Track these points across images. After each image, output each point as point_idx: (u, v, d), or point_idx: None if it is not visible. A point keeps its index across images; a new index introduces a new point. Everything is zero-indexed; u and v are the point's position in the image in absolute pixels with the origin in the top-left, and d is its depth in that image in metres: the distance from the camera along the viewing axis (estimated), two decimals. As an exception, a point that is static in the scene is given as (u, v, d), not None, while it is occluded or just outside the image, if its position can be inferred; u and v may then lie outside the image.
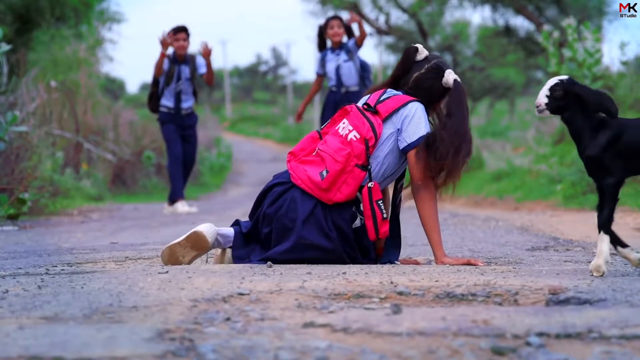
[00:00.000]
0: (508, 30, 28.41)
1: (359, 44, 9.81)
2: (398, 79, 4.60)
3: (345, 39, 9.95)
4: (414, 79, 4.53)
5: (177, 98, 10.70)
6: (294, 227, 4.31)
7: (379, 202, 4.33)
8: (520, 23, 28.23)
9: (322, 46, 10.02)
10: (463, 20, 34.99)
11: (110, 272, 4.12)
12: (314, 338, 2.52)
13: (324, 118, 9.75)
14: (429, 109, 4.55)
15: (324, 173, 4.32)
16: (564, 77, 3.83)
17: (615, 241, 3.82)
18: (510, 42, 29.46)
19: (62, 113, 14.61)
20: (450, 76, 4.51)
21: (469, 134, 4.45)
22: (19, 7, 17.02)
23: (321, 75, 10.01)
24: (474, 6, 27.82)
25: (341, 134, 4.41)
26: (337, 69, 9.72)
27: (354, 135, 4.36)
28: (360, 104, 4.54)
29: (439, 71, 4.53)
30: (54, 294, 3.31)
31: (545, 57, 18.12)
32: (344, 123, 4.45)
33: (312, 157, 4.45)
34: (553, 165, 12.42)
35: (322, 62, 9.97)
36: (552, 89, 3.79)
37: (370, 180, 4.35)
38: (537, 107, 3.81)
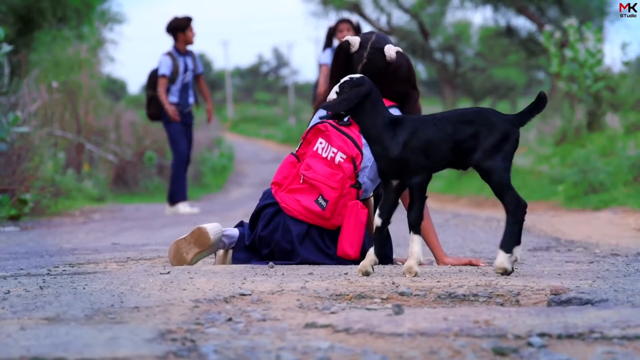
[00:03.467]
0: (509, 31, 28.43)
1: None
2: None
3: None
4: (362, 70, 4.40)
5: (184, 90, 10.66)
6: (293, 249, 4.32)
7: None
8: (522, 23, 28.27)
9: (327, 47, 10.00)
10: (464, 20, 35.02)
11: (112, 273, 4.12)
12: (315, 339, 2.52)
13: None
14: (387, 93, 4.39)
15: (322, 202, 4.28)
16: (357, 75, 3.77)
17: (377, 245, 3.75)
18: (512, 42, 29.49)
19: (63, 114, 14.62)
20: (390, 50, 4.39)
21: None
22: (21, 8, 17.03)
23: (326, 65, 9.94)
24: (475, 6, 27.85)
25: (324, 156, 4.34)
26: None
27: (341, 157, 4.30)
28: (318, 118, 4.47)
29: (380, 50, 4.41)
30: (56, 295, 3.31)
31: (546, 57, 18.10)
32: (321, 143, 4.38)
33: (299, 185, 4.38)
34: (554, 166, 12.43)
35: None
36: (341, 86, 3.73)
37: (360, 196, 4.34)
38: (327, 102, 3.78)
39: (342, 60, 4.43)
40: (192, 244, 4.43)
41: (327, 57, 9.91)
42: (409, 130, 3.68)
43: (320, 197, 4.28)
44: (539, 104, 3.69)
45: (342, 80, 3.75)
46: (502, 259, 3.67)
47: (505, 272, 3.66)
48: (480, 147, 3.62)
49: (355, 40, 4.45)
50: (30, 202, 9.27)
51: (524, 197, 11.74)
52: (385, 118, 3.72)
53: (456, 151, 3.67)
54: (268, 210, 4.42)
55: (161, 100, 10.43)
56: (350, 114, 3.75)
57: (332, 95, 3.73)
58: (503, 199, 3.66)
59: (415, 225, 3.70)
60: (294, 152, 4.50)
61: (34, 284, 3.68)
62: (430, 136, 3.67)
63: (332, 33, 9.89)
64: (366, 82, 3.75)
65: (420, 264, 4.53)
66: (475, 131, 3.64)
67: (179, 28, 10.61)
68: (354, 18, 10.23)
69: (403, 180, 3.72)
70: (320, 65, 10.04)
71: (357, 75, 3.76)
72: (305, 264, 4.30)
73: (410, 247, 3.72)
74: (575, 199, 10.22)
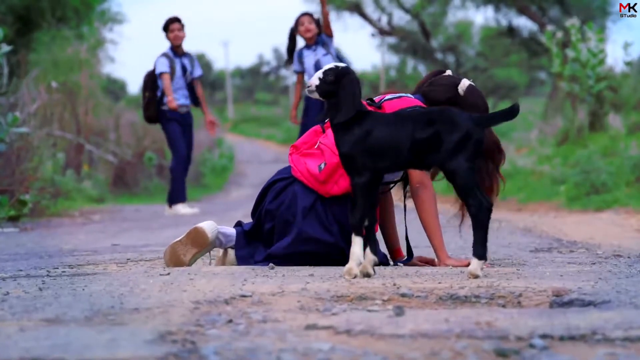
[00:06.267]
0: (511, 31, 28.43)
1: (327, 33, 9.81)
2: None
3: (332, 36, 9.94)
4: (431, 81, 4.54)
5: (191, 90, 10.69)
6: (295, 222, 4.32)
7: None
8: (524, 23, 28.27)
9: (291, 48, 9.98)
10: (466, 20, 35.02)
11: (112, 274, 4.12)
12: (316, 340, 2.52)
13: (308, 118, 9.72)
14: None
15: (322, 166, 4.32)
16: (342, 64, 3.77)
17: (372, 245, 3.76)
18: (513, 42, 29.50)
19: (63, 114, 14.62)
20: (465, 81, 4.50)
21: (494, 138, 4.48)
22: (20, 8, 17.03)
23: (301, 72, 9.98)
24: (476, 6, 27.87)
25: None
26: (317, 64, 9.63)
27: None
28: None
29: (456, 78, 4.52)
30: (55, 296, 3.31)
31: (548, 57, 18.08)
32: None
33: (313, 150, 4.45)
34: (556, 166, 12.42)
35: (300, 59, 9.91)
36: (325, 72, 3.73)
37: None
38: (309, 87, 3.75)
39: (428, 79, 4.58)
40: (189, 245, 4.42)
41: (297, 64, 9.96)
42: (365, 129, 3.68)
43: (324, 162, 4.31)
44: (510, 113, 3.67)
45: (326, 67, 3.76)
46: (475, 266, 3.66)
47: (477, 278, 3.65)
48: (443, 147, 3.61)
49: (449, 72, 4.59)
50: (30, 202, 9.27)
51: (526, 197, 11.67)
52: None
53: (416, 151, 3.66)
54: (279, 184, 4.46)
55: (166, 92, 10.43)
56: (329, 98, 3.75)
57: (315, 81, 3.74)
58: (466, 201, 3.64)
59: (357, 226, 3.70)
60: (323, 123, 4.57)
61: (34, 285, 3.68)
62: (386, 136, 3.66)
63: (294, 32, 9.89)
64: (352, 71, 3.77)
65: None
66: (436, 131, 3.63)
67: (163, 29, 10.71)
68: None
69: (349, 176, 3.74)
70: (297, 73, 10.06)
71: (342, 64, 3.78)
72: (302, 238, 4.29)
73: (351, 249, 3.72)
74: (577, 200, 10.21)
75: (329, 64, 3.80)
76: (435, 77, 4.54)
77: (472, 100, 4.44)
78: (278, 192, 4.43)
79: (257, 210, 4.52)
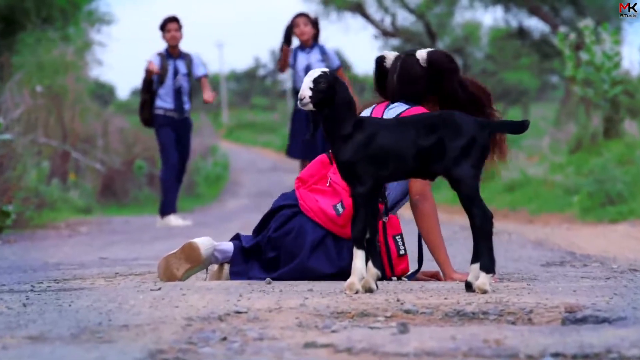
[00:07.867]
0: (522, 32, 28.47)
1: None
2: (382, 92, 4.58)
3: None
4: (397, 79, 4.47)
5: (177, 96, 10.64)
6: (300, 255, 4.32)
7: (397, 237, 4.36)
8: (535, 24, 28.30)
9: (287, 44, 9.90)
10: (474, 21, 35.05)
11: (100, 289, 4.12)
12: (315, 359, 2.52)
13: (297, 125, 9.61)
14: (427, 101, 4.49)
15: (339, 208, 4.30)
16: (325, 69, 3.77)
17: (374, 258, 3.75)
18: (524, 44, 29.53)
19: (48, 120, 14.62)
20: (422, 52, 4.44)
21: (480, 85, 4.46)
22: (3, 8, 17.04)
23: (288, 48, 9.75)
24: (485, 6, 27.90)
25: None
26: (307, 69, 9.35)
27: None
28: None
29: (412, 56, 4.47)
30: (40, 312, 3.31)
31: (561, 60, 18.10)
32: None
33: (324, 187, 4.42)
34: (569, 175, 12.42)
35: (294, 56, 9.76)
36: (315, 81, 3.69)
37: (387, 212, 4.33)
38: (302, 100, 3.70)
39: (377, 74, 4.55)
40: (182, 259, 4.42)
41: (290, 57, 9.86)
42: (365, 135, 3.69)
43: (340, 203, 4.30)
44: (519, 126, 3.70)
45: (316, 75, 3.73)
46: (483, 280, 3.66)
47: (485, 293, 3.65)
48: (447, 153, 3.62)
49: (390, 53, 4.54)
50: (13, 213, 9.26)
51: (537, 208, 11.70)
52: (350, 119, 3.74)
53: (420, 158, 3.67)
54: (285, 211, 4.43)
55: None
56: (322, 107, 3.74)
57: (307, 92, 3.72)
58: (470, 210, 3.63)
59: (359, 239, 3.70)
60: (329, 152, 4.52)
61: (17, 301, 3.68)
62: (388, 142, 3.67)
63: (290, 31, 9.81)
64: (338, 77, 3.77)
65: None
66: (440, 137, 3.64)
67: (160, 28, 10.72)
68: (312, 13, 10.17)
69: (349, 186, 3.75)
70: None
71: (326, 70, 3.78)
72: (305, 269, 4.29)
73: (353, 263, 3.72)
74: (591, 211, 10.21)
75: (314, 70, 3.78)
76: (398, 73, 4.46)
77: (439, 67, 4.40)
78: (284, 220, 4.41)
79: (260, 234, 4.50)
